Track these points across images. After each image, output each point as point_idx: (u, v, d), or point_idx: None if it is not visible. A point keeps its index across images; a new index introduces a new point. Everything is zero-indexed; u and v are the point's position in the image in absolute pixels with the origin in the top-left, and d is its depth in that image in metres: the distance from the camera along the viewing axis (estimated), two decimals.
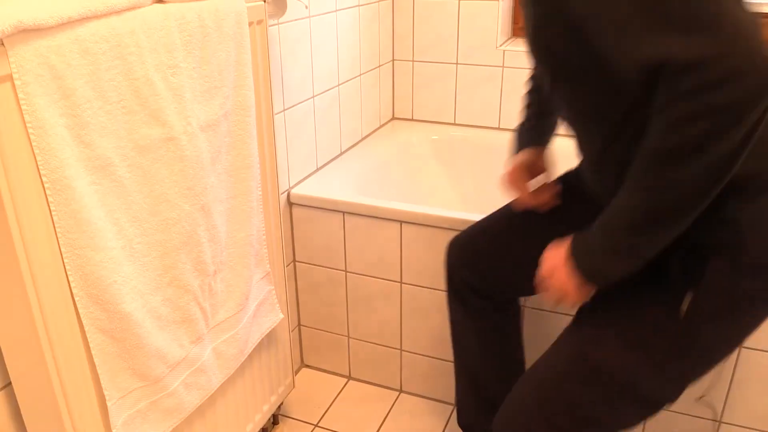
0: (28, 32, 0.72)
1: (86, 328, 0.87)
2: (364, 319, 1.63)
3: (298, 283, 1.67)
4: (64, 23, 0.76)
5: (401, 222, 1.48)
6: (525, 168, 1.19)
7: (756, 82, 0.67)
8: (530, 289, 1.17)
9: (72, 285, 0.84)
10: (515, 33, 2.10)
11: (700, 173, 0.73)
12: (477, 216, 1.40)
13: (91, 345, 0.88)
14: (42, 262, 0.80)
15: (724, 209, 0.82)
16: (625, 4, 0.72)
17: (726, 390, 1.35)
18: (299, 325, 1.73)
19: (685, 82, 0.69)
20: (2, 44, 0.70)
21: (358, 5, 1.80)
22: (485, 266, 1.21)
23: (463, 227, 1.40)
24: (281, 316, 1.36)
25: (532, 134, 1.21)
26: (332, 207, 1.54)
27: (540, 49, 0.90)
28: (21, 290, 0.79)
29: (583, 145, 0.97)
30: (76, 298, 0.85)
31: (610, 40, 0.75)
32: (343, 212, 1.53)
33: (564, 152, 1.39)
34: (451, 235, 1.43)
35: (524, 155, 1.20)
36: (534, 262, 1.04)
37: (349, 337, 1.68)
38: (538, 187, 1.18)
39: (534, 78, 1.22)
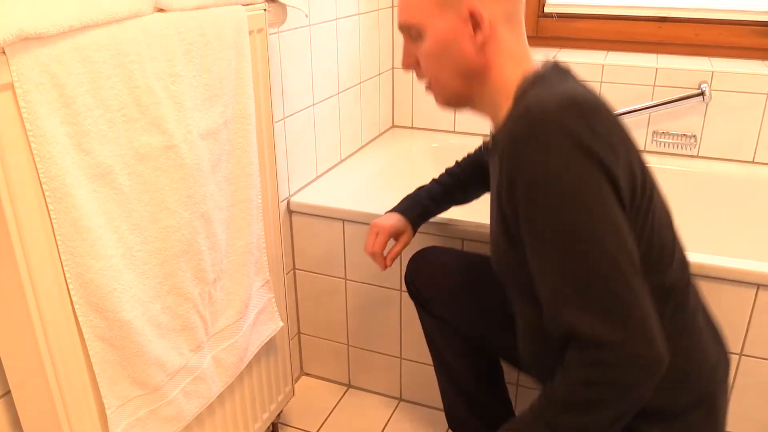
0: (29, 41, 0.73)
1: (86, 336, 0.87)
2: (364, 327, 1.63)
3: (298, 291, 1.67)
4: (65, 32, 0.76)
5: None
6: (392, 232, 1.27)
7: (648, 368, 0.78)
8: (471, 327, 1.22)
9: (72, 293, 0.84)
10: None
11: (588, 428, 0.81)
12: (476, 223, 1.40)
13: (90, 353, 0.88)
14: (42, 270, 0.80)
15: (641, 427, 0.91)
16: (556, 274, 0.80)
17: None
18: (299, 333, 1.73)
19: (588, 353, 0.79)
20: (3, 53, 0.71)
21: (358, 13, 1.81)
22: (439, 288, 1.23)
23: (463, 236, 1.40)
24: (281, 324, 1.36)
25: (420, 211, 1.30)
26: (332, 215, 1.54)
27: (495, 265, 0.99)
28: (21, 298, 0.79)
29: (521, 340, 1.04)
30: (76, 306, 0.85)
31: (541, 298, 0.84)
32: (343, 220, 1.53)
33: None
34: (451, 242, 1.43)
35: (399, 223, 1.28)
36: (483, 305, 1.12)
37: (348, 345, 1.68)
38: (382, 256, 1.27)
39: (459, 164, 1.31)
